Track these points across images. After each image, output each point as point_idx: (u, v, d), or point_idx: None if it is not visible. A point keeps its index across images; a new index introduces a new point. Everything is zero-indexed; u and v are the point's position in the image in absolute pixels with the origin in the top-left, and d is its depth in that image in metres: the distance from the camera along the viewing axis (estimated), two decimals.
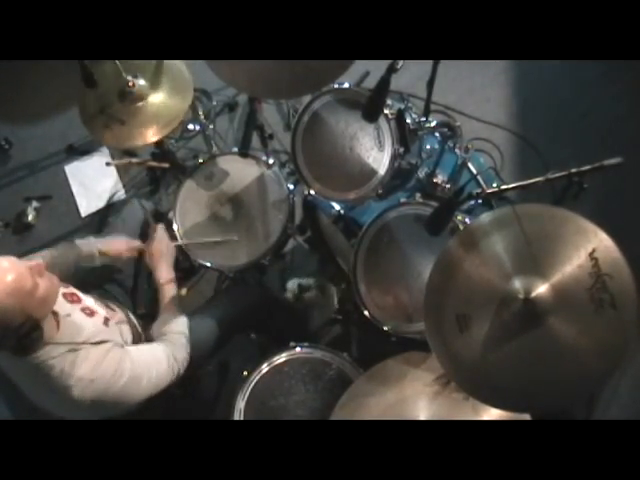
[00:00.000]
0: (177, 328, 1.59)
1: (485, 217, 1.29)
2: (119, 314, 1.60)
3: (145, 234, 1.84)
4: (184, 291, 2.11)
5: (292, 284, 1.84)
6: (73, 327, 1.35)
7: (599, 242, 1.15)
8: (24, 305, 1.18)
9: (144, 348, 1.50)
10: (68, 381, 1.27)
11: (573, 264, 1.16)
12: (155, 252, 1.70)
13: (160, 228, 1.76)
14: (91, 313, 1.46)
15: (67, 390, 1.28)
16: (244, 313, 1.85)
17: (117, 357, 1.36)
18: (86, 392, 1.29)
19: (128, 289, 1.81)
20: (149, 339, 1.65)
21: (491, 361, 1.20)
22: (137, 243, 1.77)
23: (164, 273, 1.69)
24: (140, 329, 1.66)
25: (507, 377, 1.19)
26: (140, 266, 1.85)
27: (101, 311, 1.50)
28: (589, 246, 1.15)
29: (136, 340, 1.58)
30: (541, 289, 1.17)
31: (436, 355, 1.26)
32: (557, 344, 1.15)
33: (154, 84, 1.88)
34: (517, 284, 1.19)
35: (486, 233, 1.27)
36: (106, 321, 1.48)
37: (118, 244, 1.74)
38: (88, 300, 1.50)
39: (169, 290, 1.67)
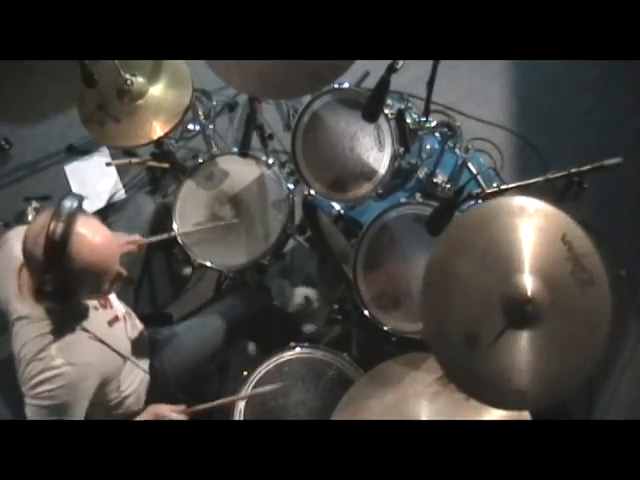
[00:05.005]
0: None
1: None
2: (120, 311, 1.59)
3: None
4: (189, 270, 2.20)
5: (299, 297, 1.86)
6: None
7: (566, 225, 1.17)
8: (97, 274, 1.25)
9: None
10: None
11: (553, 253, 1.17)
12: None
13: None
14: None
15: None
16: (250, 314, 1.84)
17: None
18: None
19: (131, 289, 1.81)
20: (150, 337, 1.66)
21: (506, 368, 1.19)
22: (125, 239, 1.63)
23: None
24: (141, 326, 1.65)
25: (524, 379, 1.18)
26: (144, 265, 1.85)
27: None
28: (559, 232, 1.17)
29: (136, 339, 1.58)
30: (534, 286, 1.17)
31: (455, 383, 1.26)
32: (557, 334, 1.17)
33: (152, 82, 1.88)
34: (513, 287, 1.18)
35: (458, 252, 1.25)
36: (111, 323, 1.48)
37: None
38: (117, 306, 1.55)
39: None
